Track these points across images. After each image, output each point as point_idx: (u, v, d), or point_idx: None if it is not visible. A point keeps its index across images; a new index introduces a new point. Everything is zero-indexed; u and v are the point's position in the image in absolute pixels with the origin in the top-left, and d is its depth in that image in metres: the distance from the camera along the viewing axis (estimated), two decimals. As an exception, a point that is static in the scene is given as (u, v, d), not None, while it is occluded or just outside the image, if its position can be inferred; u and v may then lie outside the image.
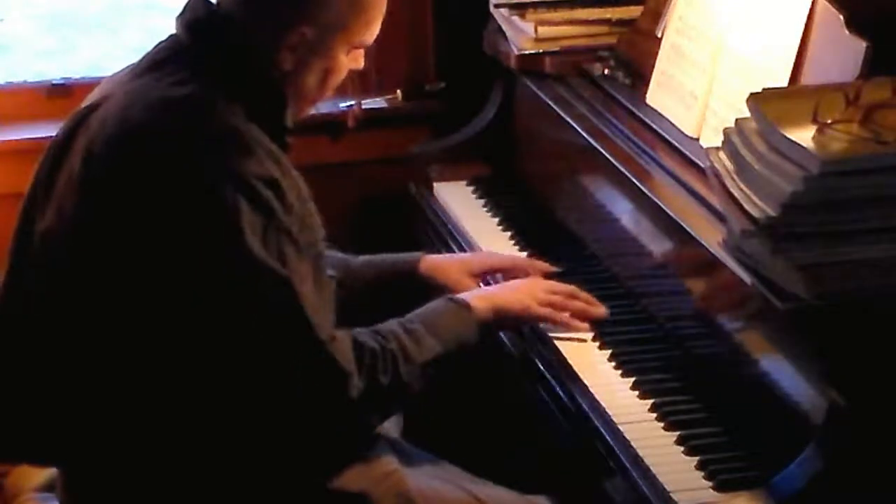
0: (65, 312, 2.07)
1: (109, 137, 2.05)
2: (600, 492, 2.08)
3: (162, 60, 2.12)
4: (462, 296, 2.31)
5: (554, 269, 2.56)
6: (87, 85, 2.25)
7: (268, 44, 2.09)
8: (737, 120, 2.01)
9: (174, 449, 2.07)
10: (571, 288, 2.42)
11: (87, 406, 2.09)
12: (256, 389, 2.03)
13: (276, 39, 2.09)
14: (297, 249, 2.02)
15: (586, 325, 2.37)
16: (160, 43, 2.17)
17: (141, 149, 2.02)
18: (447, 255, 2.69)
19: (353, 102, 3.35)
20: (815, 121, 1.91)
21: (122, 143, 2.04)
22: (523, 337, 2.42)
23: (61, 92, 3.31)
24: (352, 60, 2.19)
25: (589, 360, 2.32)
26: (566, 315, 2.37)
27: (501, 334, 2.44)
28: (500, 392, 2.59)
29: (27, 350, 2.12)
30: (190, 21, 2.13)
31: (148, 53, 2.17)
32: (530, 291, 2.37)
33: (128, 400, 2.06)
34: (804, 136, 1.88)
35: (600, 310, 2.40)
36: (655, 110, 2.61)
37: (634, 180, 2.44)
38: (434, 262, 2.53)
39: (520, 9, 3.01)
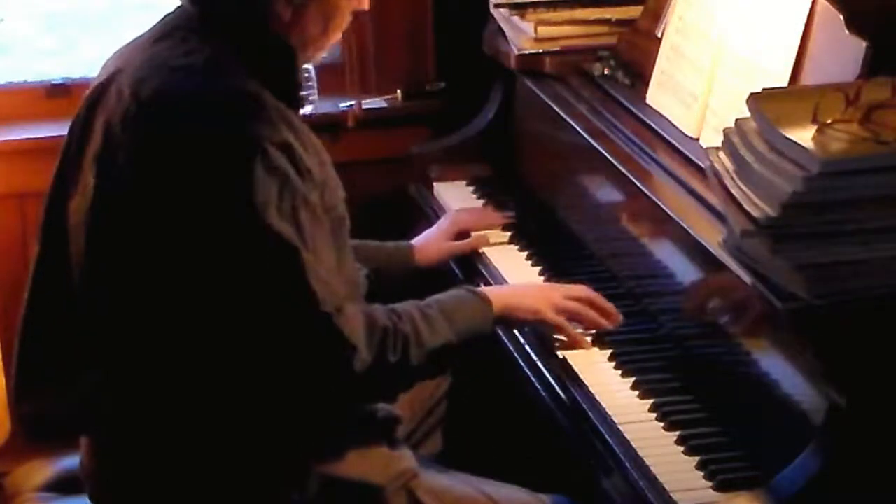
0: (90, 288, 2.12)
1: (126, 111, 2.08)
2: (600, 492, 2.08)
3: (169, 31, 2.15)
4: (482, 289, 2.33)
5: (506, 218, 2.81)
6: (87, 85, 2.25)
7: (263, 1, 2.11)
8: (737, 120, 2.01)
9: (185, 413, 2.10)
10: (590, 295, 2.39)
11: (111, 372, 2.13)
12: (261, 354, 2.05)
13: None
14: (313, 213, 2.05)
15: (589, 343, 2.35)
16: (167, 15, 2.20)
17: (156, 119, 2.06)
18: (425, 237, 2.75)
19: (353, 102, 3.35)
20: (815, 121, 1.91)
21: (138, 115, 2.07)
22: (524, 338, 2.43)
23: (61, 92, 3.31)
24: (354, 1, 2.20)
25: (589, 360, 2.32)
26: (576, 331, 2.35)
27: (505, 337, 2.44)
28: (500, 393, 2.58)
29: (57, 322, 2.18)
30: None
31: (155, 25, 2.20)
32: (547, 296, 2.36)
33: (147, 363, 2.10)
34: (804, 136, 1.88)
35: (614, 320, 2.37)
36: (655, 110, 2.61)
37: (634, 180, 2.44)
38: (421, 253, 2.67)
39: (520, 9, 3.01)
